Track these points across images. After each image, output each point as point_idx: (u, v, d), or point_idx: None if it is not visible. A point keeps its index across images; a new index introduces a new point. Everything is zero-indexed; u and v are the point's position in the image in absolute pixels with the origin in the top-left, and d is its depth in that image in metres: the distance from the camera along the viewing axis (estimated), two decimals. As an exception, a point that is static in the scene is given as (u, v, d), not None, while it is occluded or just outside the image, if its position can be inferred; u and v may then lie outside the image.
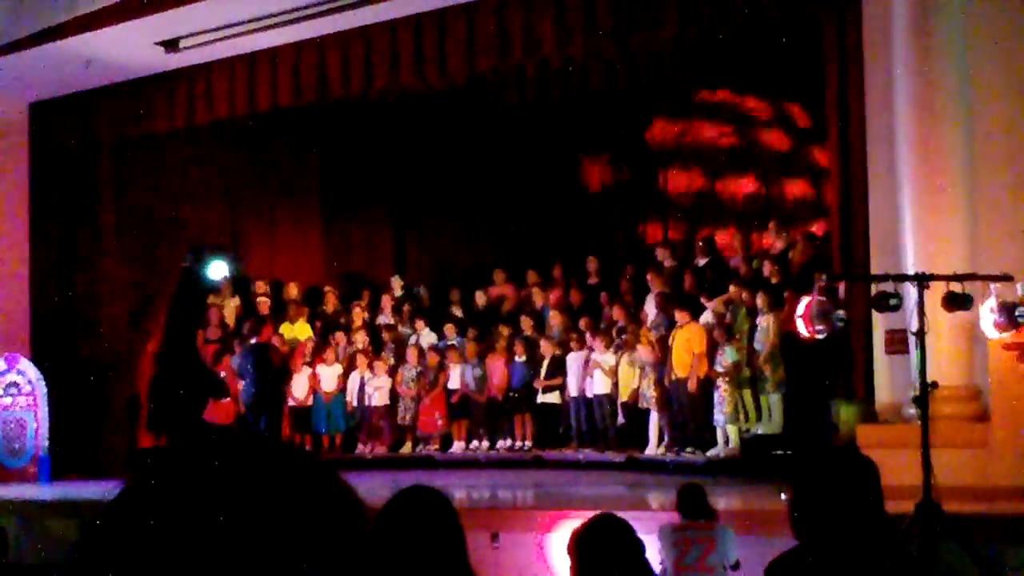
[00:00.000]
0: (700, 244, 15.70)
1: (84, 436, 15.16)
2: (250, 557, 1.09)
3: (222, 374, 15.64)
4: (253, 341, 15.56)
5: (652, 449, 13.71)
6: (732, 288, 13.70)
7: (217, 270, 16.48)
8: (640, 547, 3.88)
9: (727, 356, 12.94)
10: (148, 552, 1.09)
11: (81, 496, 12.21)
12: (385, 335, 16.28)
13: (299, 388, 15.78)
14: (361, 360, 15.80)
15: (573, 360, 14.67)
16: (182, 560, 1.08)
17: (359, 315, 16.64)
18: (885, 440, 9.73)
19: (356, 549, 1.16)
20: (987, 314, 9.41)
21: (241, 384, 15.47)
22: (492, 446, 15.36)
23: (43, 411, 15.02)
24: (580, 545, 3.83)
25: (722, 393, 12.95)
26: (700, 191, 17.90)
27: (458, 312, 16.74)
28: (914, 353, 8.63)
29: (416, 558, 3.42)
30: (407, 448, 15.70)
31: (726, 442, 12.96)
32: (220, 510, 1.10)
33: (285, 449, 1.19)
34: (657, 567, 7.08)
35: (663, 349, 13.57)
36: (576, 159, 18.67)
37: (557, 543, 8.54)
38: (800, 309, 9.15)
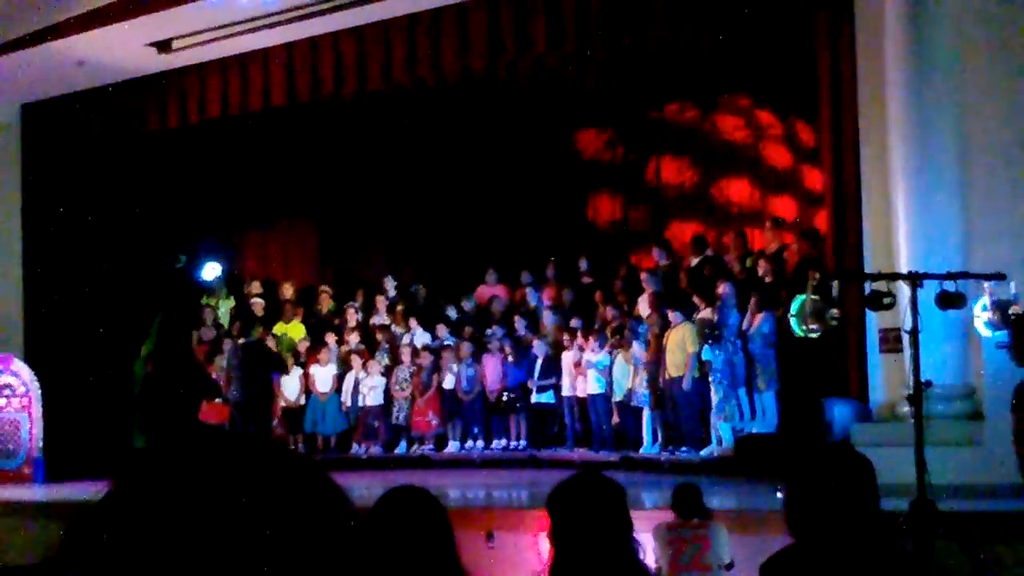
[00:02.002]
0: (692, 244, 15.70)
1: (78, 437, 15.13)
2: (237, 557, 1.09)
3: (215, 374, 15.62)
4: (242, 341, 15.53)
5: (647, 448, 13.71)
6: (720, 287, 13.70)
7: (211, 271, 16.47)
8: (624, 504, 3.70)
9: (720, 355, 12.94)
10: (134, 552, 1.09)
11: (75, 498, 12.19)
12: (379, 335, 16.27)
13: (292, 389, 15.76)
14: (355, 360, 15.79)
15: (567, 360, 14.67)
16: (168, 560, 1.08)
17: (352, 315, 16.64)
18: (879, 438, 9.73)
19: (345, 549, 1.15)
20: (981, 313, 9.42)
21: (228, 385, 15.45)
22: (487, 446, 15.36)
23: (37, 412, 15.01)
24: (555, 501, 3.72)
25: (715, 392, 12.95)
26: (694, 191, 17.90)
27: (452, 312, 16.73)
28: (908, 352, 8.63)
29: (406, 558, 3.42)
30: (402, 448, 15.69)
31: (720, 441, 12.96)
32: (207, 510, 1.10)
33: (274, 449, 1.18)
34: (652, 566, 7.08)
35: (657, 348, 13.57)
36: (570, 158, 18.65)
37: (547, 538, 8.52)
38: (794, 308, 9.14)
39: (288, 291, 17.05)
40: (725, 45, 14.26)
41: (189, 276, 16.33)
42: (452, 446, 15.50)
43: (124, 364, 15.80)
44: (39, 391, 15.07)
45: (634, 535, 3.72)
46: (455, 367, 15.42)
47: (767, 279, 13.50)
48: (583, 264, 16.47)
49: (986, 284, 9.18)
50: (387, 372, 15.80)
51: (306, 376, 15.86)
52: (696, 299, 13.75)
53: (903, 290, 8.42)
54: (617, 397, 14.05)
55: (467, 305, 16.67)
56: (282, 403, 15.75)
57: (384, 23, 13.60)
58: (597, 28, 12.68)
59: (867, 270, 10.82)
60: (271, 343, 15.87)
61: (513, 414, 15.21)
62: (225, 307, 16.78)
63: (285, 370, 15.66)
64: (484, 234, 18.17)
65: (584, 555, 3.58)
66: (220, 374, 15.57)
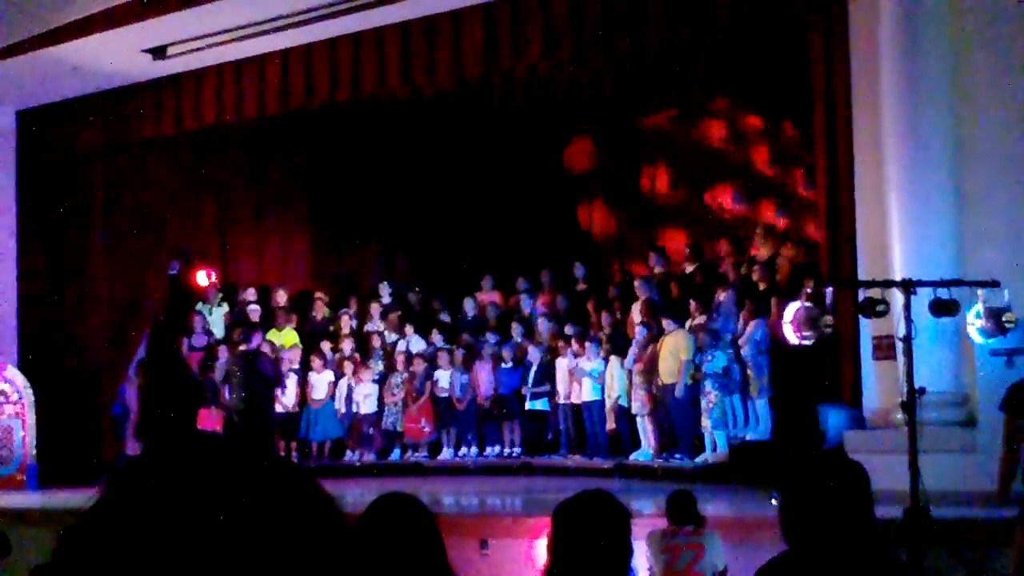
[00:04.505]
0: (687, 250, 15.72)
1: (72, 444, 15.11)
2: (225, 564, 1.09)
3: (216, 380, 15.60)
4: (243, 348, 15.50)
5: (641, 453, 13.67)
6: (720, 295, 13.73)
7: (204, 277, 16.46)
8: (627, 530, 3.70)
9: (716, 361, 12.95)
10: (123, 559, 1.09)
11: (69, 504, 12.17)
12: (374, 341, 16.26)
13: (288, 395, 15.73)
14: (348, 367, 15.78)
15: (561, 366, 14.67)
16: (157, 567, 1.08)
17: (347, 322, 16.62)
18: (873, 445, 9.74)
19: (333, 557, 1.16)
20: (974, 320, 9.43)
21: (226, 391, 15.40)
22: (481, 453, 15.35)
23: (31, 419, 14.99)
24: (560, 516, 3.71)
25: (710, 399, 12.96)
26: (687, 199, 17.93)
27: (446, 318, 16.73)
28: (902, 359, 8.65)
29: (394, 565, 3.42)
30: (395, 455, 15.68)
31: (714, 448, 12.97)
32: (196, 517, 1.10)
33: (264, 456, 1.19)
34: (645, 574, 7.08)
35: (650, 356, 13.57)
36: (565, 163, 18.67)
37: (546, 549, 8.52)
38: (788, 315, 9.16)
39: (282, 298, 17.02)
40: (719, 53, 14.29)
41: (183, 282, 16.31)
42: (446, 453, 15.49)
43: (117, 371, 15.80)
44: (32, 398, 15.05)
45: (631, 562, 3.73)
46: (446, 373, 15.40)
47: (761, 286, 13.52)
48: (578, 271, 16.47)
49: (979, 291, 9.20)
50: (382, 379, 15.78)
51: (302, 383, 15.84)
52: (692, 306, 13.77)
53: (897, 297, 8.44)
54: (610, 404, 14.06)
55: (468, 310, 16.64)
56: (279, 408, 15.70)
57: (378, 30, 13.61)
58: (591, 34, 12.69)
59: (861, 277, 10.83)
60: (267, 348, 15.82)
61: (507, 421, 15.21)
62: (218, 314, 16.74)
63: (280, 384, 15.60)
64: (479, 241, 18.17)
65: (580, 573, 3.58)
66: (219, 381, 15.55)
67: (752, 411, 13.07)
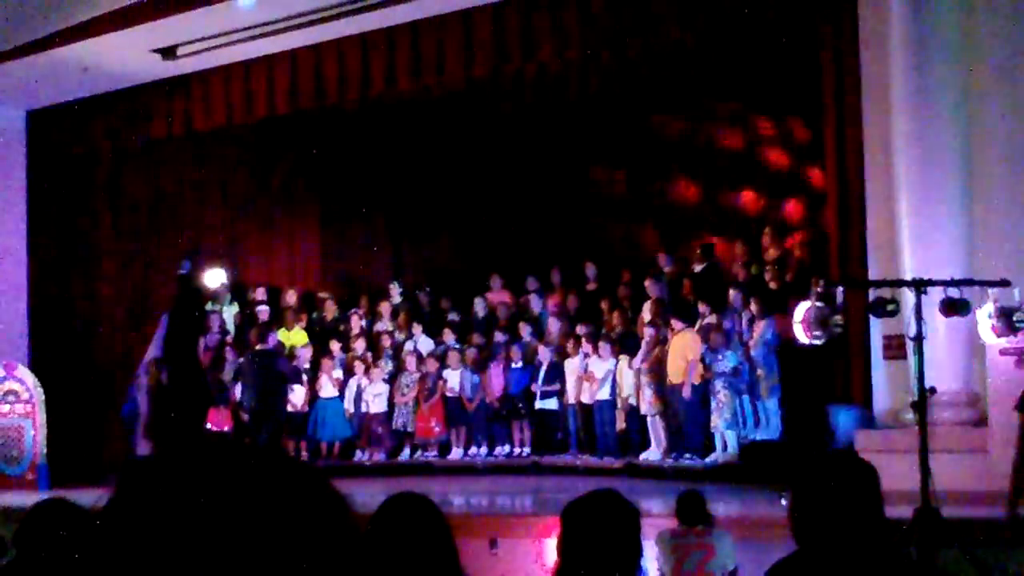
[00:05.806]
0: (697, 251, 15.70)
1: (83, 443, 15.14)
2: (236, 565, 1.09)
3: (224, 380, 15.61)
4: (258, 347, 15.50)
5: (656, 451, 13.67)
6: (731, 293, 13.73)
7: (214, 277, 16.47)
8: (637, 528, 3.69)
9: (727, 361, 12.94)
10: (133, 559, 1.09)
11: (80, 504, 12.17)
12: (384, 340, 16.27)
13: (297, 395, 15.74)
14: (359, 367, 15.79)
15: (571, 366, 14.66)
16: (167, 567, 1.08)
17: (357, 322, 16.63)
18: (884, 445, 9.73)
19: (344, 556, 1.16)
20: (985, 319, 9.39)
21: (238, 391, 15.41)
22: (490, 452, 15.35)
23: (41, 418, 15.01)
24: (569, 515, 3.71)
25: (720, 398, 12.94)
26: (699, 200, 17.90)
27: (455, 317, 16.72)
28: (912, 358, 8.62)
29: (406, 564, 3.41)
30: (405, 455, 15.68)
31: (724, 448, 12.96)
32: (207, 517, 1.10)
33: (274, 456, 1.19)
34: (655, 574, 7.07)
35: (659, 355, 13.57)
36: (575, 164, 18.64)
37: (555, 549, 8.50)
38: (798, 315, 9.13)
39: (291, 298, 17.04)
40: (728, 53, 14.27)
41: (193, 282, 16.33)
42: (456, 453, 15.50)
43: (128, 370, 15.83)
44: (43, 397, 15.07)
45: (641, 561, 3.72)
46: (456, 372, 15.40)
47: (772, 285, 13.51)
48: (589, 270, 16.43)
49: (990, 291, 9.17)
50: (391, 379, 15.78)
51: (312, 382, 15.85)
52: (701, 306, 13.76)
53: (907, 297, 8.42)
54: (621, 403, 14.05)
55: (479, 310, 16.62)
56: (289, 408, 15.71)
57: (387, 30, 13.62)
58: (601, 35, 12.69)
59: (871, 276, 10.82)
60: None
61: (516, 420, 15.21)
62: (229, 313, 16.77)
63: (300, 380, 15.62)
64: (489, 240, 18.17)
65: (589, 573, 3.58)
66: (228, 380, 15.56)
67: (762, 411, 13.05)
